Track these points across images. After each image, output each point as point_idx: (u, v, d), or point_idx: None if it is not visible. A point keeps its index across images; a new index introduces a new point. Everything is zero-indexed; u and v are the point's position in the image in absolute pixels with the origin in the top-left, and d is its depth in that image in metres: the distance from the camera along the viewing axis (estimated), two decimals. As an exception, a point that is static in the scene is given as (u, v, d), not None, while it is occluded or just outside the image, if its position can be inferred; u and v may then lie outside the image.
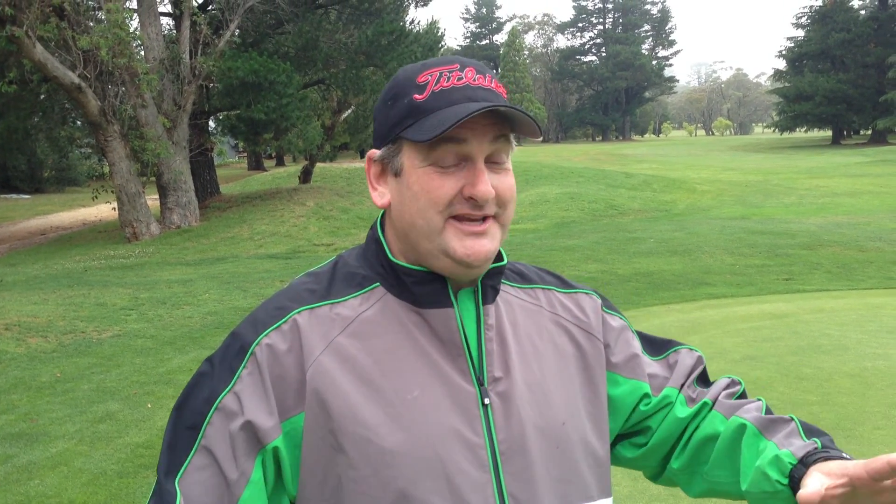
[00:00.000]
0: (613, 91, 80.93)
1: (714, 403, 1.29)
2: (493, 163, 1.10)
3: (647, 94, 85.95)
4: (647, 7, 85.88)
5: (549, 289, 1.29)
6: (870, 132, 56.11)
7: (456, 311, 1.12)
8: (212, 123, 24.94)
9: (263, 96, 19.42)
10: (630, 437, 1.33)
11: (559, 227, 18.91)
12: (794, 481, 1.11)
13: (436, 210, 1.08)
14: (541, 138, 1.11)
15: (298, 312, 1.12)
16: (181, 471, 1.07)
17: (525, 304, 1.24)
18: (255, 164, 44.10)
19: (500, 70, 78.22)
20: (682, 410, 1.29)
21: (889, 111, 51.38)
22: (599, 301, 1.32)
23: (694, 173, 30.43)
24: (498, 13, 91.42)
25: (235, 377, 1.08)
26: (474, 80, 1.09)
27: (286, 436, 1.07)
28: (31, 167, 37.32)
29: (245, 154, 48.80)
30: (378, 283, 1.15)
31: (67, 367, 7.29)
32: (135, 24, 19.98)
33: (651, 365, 1.32)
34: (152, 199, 20.56)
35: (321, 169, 28.54)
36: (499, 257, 1.19)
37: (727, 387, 1.33)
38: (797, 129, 62.94)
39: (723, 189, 25.14)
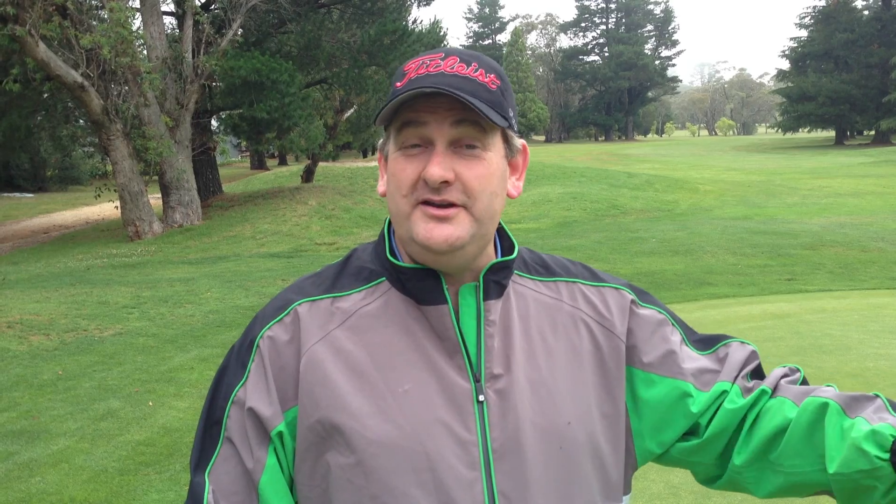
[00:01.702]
0: (616, 91, 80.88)
1: (774, 390, 1.21)
2: (463, 147, 1.07)
3: (650, 94, 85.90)
4: (650, 7, 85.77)
5: (573, 281, 1.24)
6: (873, 133, 56.07)
7: (450, 308, 1.11)
8: (214, 122, 24.97)
9: (266, 95, 19.43)
10: (682, 437, 1.23)
11: (561, 227, 18.90)
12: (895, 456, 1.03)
13: (400, 194, 1.08)
14: (502, 127, 1.09)
15: (300, 304, 1.14)
16: (210, 463, 1.12)
17: (542, 297, 1.21)
18: (258, 164, 44.15)
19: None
20: (737, 401, 1.19)
21: (892, 112, 51.32)
22: (630, 296, 1.25)
23: (697, 173, 30.41)
24: (501, 13, 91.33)
25: (247, 371, 1.12)
26: (451, 68, 1.07)
27: (288, 424, 1.09)
28: (35, 166, 37.37)
29: (247, 153, 48.84)
30: (384, 278, 1.16)
31: (69, 365, 7.30)
32: (137, 23, 20.01)
33: (698, 360, 1.24)
34: (155, 198, 20.59)
35: (323, 168, 28.55)
36: (509, 251, 1.19)
37: (786, 374, 1.25)
38: (800, 130, 62.92)
39: (725, 189, 25.12)
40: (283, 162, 48.13)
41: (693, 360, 1.23)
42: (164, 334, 8.50)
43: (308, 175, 26.49)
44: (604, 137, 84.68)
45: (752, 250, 13.28)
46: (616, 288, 1.25)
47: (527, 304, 1.19)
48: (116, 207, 19.63)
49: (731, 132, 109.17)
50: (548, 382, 1.14)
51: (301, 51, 21.61)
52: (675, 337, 1.25)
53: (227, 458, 1.11)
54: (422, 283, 1.12)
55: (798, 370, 1.26)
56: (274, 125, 20.75)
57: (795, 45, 60.53)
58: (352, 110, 27.12)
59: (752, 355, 1.26)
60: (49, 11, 16.38)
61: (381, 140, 1.16)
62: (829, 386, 1.20)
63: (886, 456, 1.04)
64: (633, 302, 1.24)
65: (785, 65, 62.64)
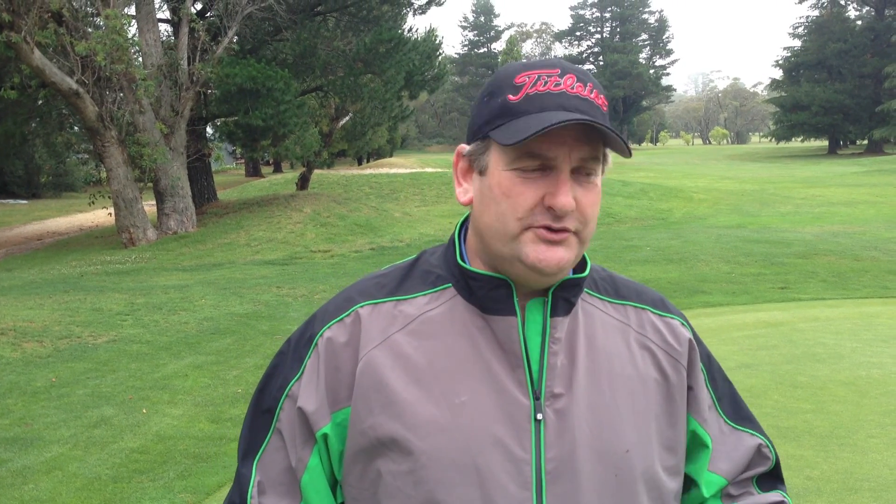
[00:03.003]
0: (611, 100, 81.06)
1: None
2: (583, 174, 1.05)
3: (644, 103, 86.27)
4: (645, 16, 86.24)
5: (642, 308, 1.21)
6: (866, 142, 56.36)
7: (518, 321, 1.08)
8: (209, 130, 24.96)
9: (261, 103, 19.44)
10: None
11: (556, 235, 18.92)
12: None
13: (514, 216, 1.04)
14: (630, 157, 1.08)
15: (362, 306, 1.13)
16: (260, 452, 1.14)
17: (610, 319, 1.18)
18: (253, 171, 44.16)
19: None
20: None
21: (885, 121, 51.61)
22: (689, 334, 1.23)
23: (691, 182, 30.50)
24: (496, 21, 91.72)
25: (303, 366, 1.12)
26: (572, 88, 1.04)
27: (337, 426, 1.09)
28: (29, 172, 37.26)
29: (242, 160, 48.85)
30: (450, 284, 1.14)
31: (63, 372, 7.28)
32: (133, 30, 20.00)
33: (724, 428, 1.24)
34: (149, 205, 20.56)
35: (319, 176, 28.56)
36: (581, 269, 1.16)
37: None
38: (794, 139, 63.23)
39: (719, 198, 25.20)
40: (278, 169, 48.14)
41: (720, 423, 1.24)
42: (158, 341, 8.49)
43: (303, 182, 26.49)
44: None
45: (746, 259, 13.32)
46: (683, 322, 1.24)
47: (594, 325, 1.16)
48: (110, 214, 19.59)
49: (725, 141, 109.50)
50: (609, 407, 1.11)
51: (297, 58, 21.63)
52: (707, 394, 1.24)
53: (277, 448, 1.13)
54: (493, 292, 1.09)
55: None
56: (269, 132, 20.74)
57: (789, 54, 60.86)
58: (347, 118, 27.14)
59: (762, 458, 1.28)
60: (44, 18, 16.38)
61: (473, 146, 1.10)
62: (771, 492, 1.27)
63: None
64: (692, 340, 1.23)
65: (778, 74, 62.94)
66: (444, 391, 1.07)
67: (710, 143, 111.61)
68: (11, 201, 34.23)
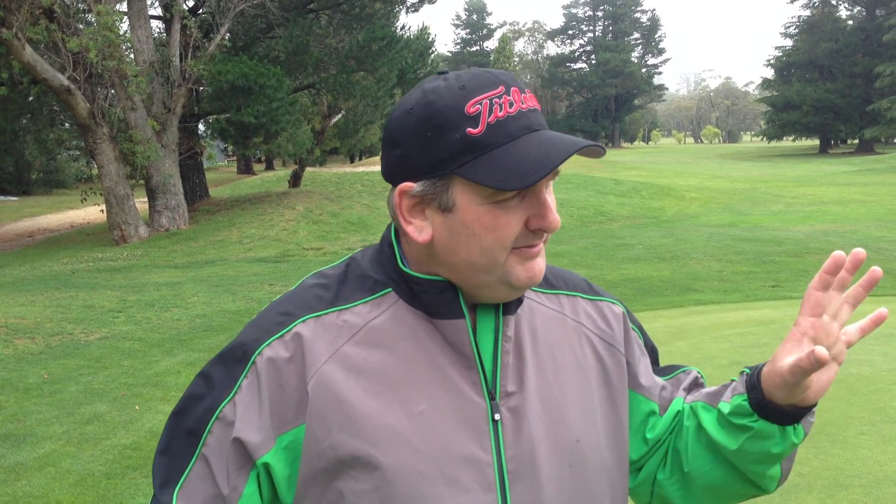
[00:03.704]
0: (603, 98, 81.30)
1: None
2: (548, 186, 1.06)
3: (636, 102, 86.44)
4: (637, 15, 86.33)
5: (574, 295, 1.22)
6: (857, 141, 56.60)
7: (468, 323, 1.06)
8: (201, 127, 24.89)
9: (253, 100, 19.40)
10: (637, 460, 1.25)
11: (548, 233, 18.95)
12: (761, 408, 1.09)
13: (502, 246, 1.01)
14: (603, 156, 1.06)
15: (303, 321, 1.07)
16: (181, 480, 1.06)
17: (547, 310, 1.18)
18: (245, 168, 44.07)
19: (490, 76, 78.38)
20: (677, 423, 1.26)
21: (876, 120, 51.86)
22: (622, 311, 1.26)
23: (682, 181, 30.59)
24: (488, 20, 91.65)
25: (237, 386, 1.05)
26: (523, 104, 1.02)
27: (283, 449, 1.03)
28: (19, 169, 37.15)
29: (234, 158, 48.74)
30: (390, 289, 1.09)
31: (55, 369, 7.27)
32: (125, 26, 19.93)
33: (663, 383, 1.27)
34: (141, 202, 20.50)
35: (311, 173, 28.52)
36: None
37: (691, 382, 1.31)
38: (785, 138, 63.51)
39: (711, 196, 25.28)
40: (270, 167, 48.04)
41: (658, 380, 1.27)
42: (150, 338, 8.48)
43: (295, 180, 26.45)
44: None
45: (737, 257, 13.38)
46: (612, 302, 1.25)
47: (534, 318, 1.16)
48: (102, 211, 19.53)
49: (716, 140, 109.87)
50: (558, 399, 1.12)
51: (289, 56, 21.59)
52: (647, 359, 1.27)
53: (201, 475, 1.05)
54: (439, 296, 1.06)
55: (693, 371, 1.32)
56: (261, 130, 20.71)
57: (780, 54, 61.09)
58: (339, 116, 27.09)
59: (697, 383, 1.31)
60: (36, 14, 16.31)
61: (425, 185, 1.02)
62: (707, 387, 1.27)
63: (755, 416, 1.10)
64: (624, 316, 1.25)
65: (770, 74, 63.18)
66: (401, 401, 1.04)
67: (701, 141, 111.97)
68: (2, 198, 34.08)
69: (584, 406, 1.14)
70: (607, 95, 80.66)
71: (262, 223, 19.76)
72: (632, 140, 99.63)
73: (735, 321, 8.66)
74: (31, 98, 20.73)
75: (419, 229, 1.05)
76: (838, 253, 1.06)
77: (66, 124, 23.31)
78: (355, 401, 1.03)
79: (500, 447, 1.05)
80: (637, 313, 9.31)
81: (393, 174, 1.06)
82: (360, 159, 43.34)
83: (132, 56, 19.59)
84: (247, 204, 22.31)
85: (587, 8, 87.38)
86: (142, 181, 19.56)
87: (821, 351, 0.98)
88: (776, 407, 1.08)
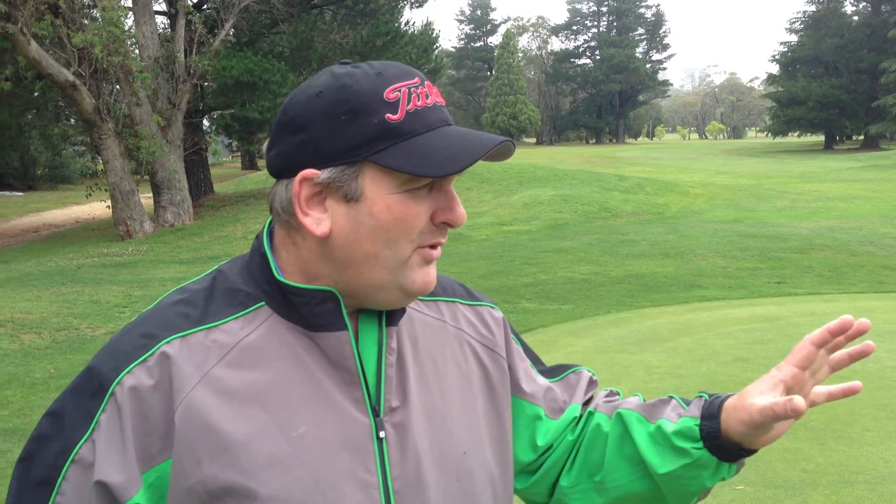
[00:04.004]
0: (607, 94, 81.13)
1: (595, 409, 1.23)
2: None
3: (640, 98, 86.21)
4: (642, 10, 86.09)
5: (453, 301, 1.18)
6: (862, 137, 56.45)
7: (351, 335, 1.00)
8: (206, 122, 24.93)
9: (258, 95, 19.43)
10: (526, 465, 1.21)
11: (552, 229, 18.95)
12: (711, 439, 1.06)
13: (408, 239, 0.97)
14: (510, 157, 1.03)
15: (168, 342, 0.96)
16: None
17: (427, 318, 1.13)
18: (249, 164, 44.08)
19: (494, 72, 78.34)
20: (575, 429, 1.21)
21: (881, 116, 51.71)
22: (501, 315, 1.22)
23: (687, 177, 30.53)
24: (493, 15, 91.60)
25: (93, 423, 0.93)
26: (437, 98, 0.99)
27: (149, 487, 0.93)
28: (25, 164, 37.23)
29: (239, 153, 48.75)
30: (263, 303, 1.01)
31: (61, 364, 7.29)
32: (130, 22, 19.97)
33: (550, 385, 1.23)
34: (146, 198, 20.55)
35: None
36: None
37: (607, 395, 1.27)
38: (790, 134, 63.26)
39: (716, 192, 25.24)
40: (274, 162, 47.96)
41: (543, 383, 1.23)
42: (156, 334, 8.50)
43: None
44: (594, 140, 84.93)
45: (742, 253, 13.36)
46: (491, 307, 1.22)
47: (414, 327, 1.10)
48: (108, 207, 19.57)
49: (721, 136, 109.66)
50: (442, 411, 1.07)
51: (293, 51, 21.61)
52: (528, 363, 1.24)
53: None
54: (319, 307, 0.99)
55: (617, 393, 1.28)
56: (266, 125, 20.72)
57: (785, 49, 60.89)
58: (344, 111, 27.15)
59: (593, 383, 1.28)
60: (41, 10, 16.34)
61: (332, 172, 0.96)
62: (635, 395, 1.24)
63: (700, 444, 1.07)
64: (504, 320, 1.22)
65: (775, 69, 62.97)
66: (280, 425, 0.95)
67: (706, 137, 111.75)
68: (7, 193, 34.16)
69: (469, 416, 1.10)
70: (611, 91, 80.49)
71: (266, 218, 19.74)
72: (636, 136, 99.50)
73: (740, 317, 8.66)
74: (36, 93, 20.80)
75: (317, 221, 0.98)
76: (848, 317, 1.02)
77: (72, 120, 23.37)
78: (228, 428, 0.93)
79: (385, 467, 0.99)
80: (642, 310, 9.35)
81: (291, 162, 0.98)
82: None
83: (137, 52, 19.62)
84: (251, 199, 22.33)
85: (591, 3, 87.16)
86: (147, 177, 19.60)
87: (799, 402, 0.95)
88: (725, 441, 1.06)
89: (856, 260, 12.68)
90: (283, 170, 1.00)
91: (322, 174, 0.96)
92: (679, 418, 1.11)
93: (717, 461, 1.07)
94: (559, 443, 1.20)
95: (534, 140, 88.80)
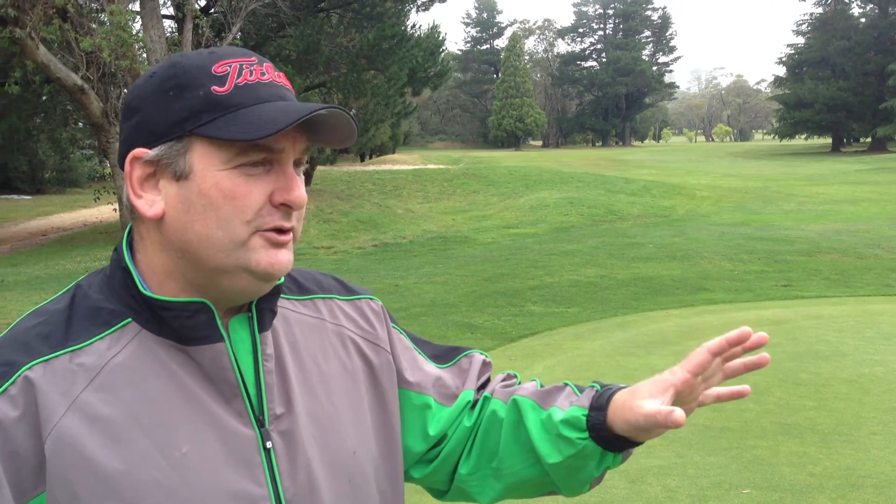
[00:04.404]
0: (614, 96, 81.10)
1: (492, 395, 1.21)
2: (297, 167, 0.98)
3: (647, 100, 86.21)
4: (648, 13, 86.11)
5: (329, 297, 1.15)
6: (870, 140, 56.28)
7: (228, 345, 0.96)
8: (213, 126, 25.01)
9: (265, 99, 19.49)
10: (421, 455, 1.19)
11: (559, 232, 18.95)
12: (597, 430, 1.07)
13: (242, 220, 0.92)
14: (350, 144, 0.99)
15: (30, 367, 0.89)
16: None
17: (305, 318, 1.09)
18: (256, 167, 44.21)
19: (500, 75, 78.37)
20: (471, 415, 1.20)
21: (889, 119, 51.53)
22: (380, 305, 1.20)
23: (694, 179, 30.49)
24: (499, 18, 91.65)
25: None
26: (276, 78, 0.96)
27: None
28: (32, 168, 37.34)
29: (245, 156, 48.88)
30: (130, 319, 0.95)
31: (69, 367, 7.32)
32: (137, 26, 20.05)
33: (440, 372, 1.21)
34: (153, 201, 20.62)
35: (322, 172, 28.60)
36: None
37: (504, 379, 1.26)
38: (797, 136, 63.19)
39: (722, 195, 25.20)
40: (280, 165, 48.09)
41: (436, 376, 1.21)
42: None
43: (306, 178, 26.44)
44: (601, 143, 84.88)
45: (749, 256, 13.34)
46: (370, 298, 1.20)
47: (291, 329, 1.07)
48: (115, 210, 19.63)
49: (727, 138, 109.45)
50: (329, 412, 1.04)
51: (300, 55, 21.66)
52: (417, 353, 1.22)
53: None
54: (191, 319, 0.94)
55: (515, 376, 1.27)
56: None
57: (792, 51, 60.81)
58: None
59: (486, 366, 1.26)
60: (49, 14, 16.41)
61: (160, 149, 0.93)
62: (532, 381, 1.23)
63: (586, 435, 1.07)
64: (383, 311, 1.20)
65: (782, 71, 62.85)
66: (160, 447, 0.90)
67: (713, 140, 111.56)
68: (15, 197, 34.29)
69: (356, 415, 1.07)
70: (618, 94, 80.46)
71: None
72: (642, 138, 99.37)
73: (747, 321, 8.63)
74: (44, 97, 20.88)
75: (150, 203, 0.94)
76: (746, 328, 1.03)
77: (80, 123, 23.45)
78: (104, 456, 0.88)
79: (275, 477, 0.96)
80: (648, 312, 9.35)
81: (128, 146, 0.95)
82: (371, 158, 43.39)
83: (145, 55, 19.69)
84: (258, 203, 22.39)
85: (598, 6, 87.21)
86: (154, 180, 19.68)
87: (679, 416, 0.95)
88: (611, 434, 1.06)
89: (863, 263, 12.65)
90: (124, 160, 0.96)
91: (151, 152, 0.93)
92: (569, 406, 1.11)
93: (601, 451, 1.08)
94: (454, 430, 1.19)
95: (540, 143, 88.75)
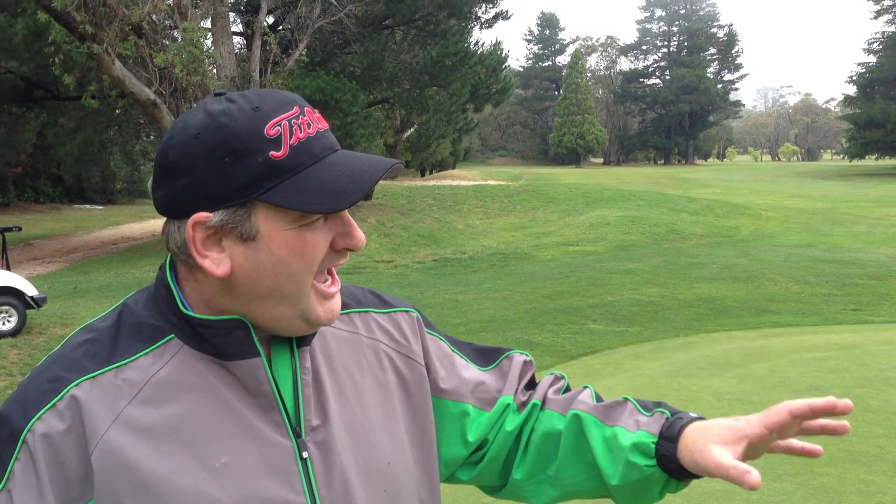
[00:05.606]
0: (677, 114, 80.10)
1: (544, 402, 1.23)
2: None
3: (711, 118, 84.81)
4: (714, 30, 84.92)
5: (365, 311, 1.18)
6: (944, 161, 54.41)
7: (263, 360, 0.99)
8: (278, 140, 25.48)
9: (329, 114, 19.81)
10: (465, 459, 1.22)
11: (619, 250, 18.78)
12: (665, 460, 1.08)
13: (309, 271, 0.97)
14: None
15: (77, 385, 0.94)
16: None
17: (340, 333, 1.13)
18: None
19: (562, 91, 78.18)
20: (514, 419, 1.22)
21: (965, 140, 49.77)
22: (417, 316, 1.23)
23: (759, 199, 29.91)
24: (561, 35, 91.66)
25: (7, 472, 0.92)
26: (319, 124, 0.98)
27: None
28: (104, 179, 38.58)
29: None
30: (172, 335, 0.99)
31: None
32: (208, 42, 20.62)
33: (482, 376, 1.24)
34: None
35: (383, 186, 28.89)
36: None
37: (552, 383, 1.27)
38: (867, 157, 61.42)
39: (789, 216, 24.67)
40: (342, 179, 48.72)
41: (477, 380, 1.23)
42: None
43: (368, 193, 26.83)
44: (663, 161, 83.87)
45: (816, 279, 13.03)
46: (406, 311, 1.22)
47: (327, 343, 1.10)
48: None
49: (795, 158, 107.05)
50: (364, 424, 1.08)
51: (364, 71, 21.99)
52: (459, 359, 1.24)
53: None
54: (229, 336, 0.98)
55: (563, 377, 1.29)
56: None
57: (863, 70, 59.24)
58: (412, 130, 27.44)
59: (528, 365, 1.28)
60: (125, 31, 17.00)
61: (224, 214, 0.94)
62: (585, 388, 1.23)
63: (654, 462, 1.08)
64: (419, 322, 1.23)
65: (852, 90, 61.25)
66: (200, 457, 0.95)
67: (779, 159, 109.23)
68: (88, 207, 35.45)
69: (390, 426, 1.11)
70: (681, 112, 79.45)
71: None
72: (706, 157, 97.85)
73: (814, 345, 8.44)
74: (118, 111, 21.60)
75: (217, 262, 0.96)
76: (833, 399, 1.02)
77: (151, 136, 24.19)
78: (148, 466, 0.92)
79: (312, 486, 1.00)
80: (711, 334, 9.20)
81: (180, 205, 0.96)
82: (431, 173, 43.67)
83: (215, 71, 20.24)
84: (320, 216, 22.71)
85: (662, 24, 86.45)
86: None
87: (755, 480, 0.94)
88: (678, 465, 1.07)
89: (937, 288, 12.23)
90: (172, 212, 0.97)
91: (214, 217, 0.94)
92: (637, 429, 1.11)
93: (667, 478, 1.09)
94: (494, 434, 1.21)
95: (601, 160, 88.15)
